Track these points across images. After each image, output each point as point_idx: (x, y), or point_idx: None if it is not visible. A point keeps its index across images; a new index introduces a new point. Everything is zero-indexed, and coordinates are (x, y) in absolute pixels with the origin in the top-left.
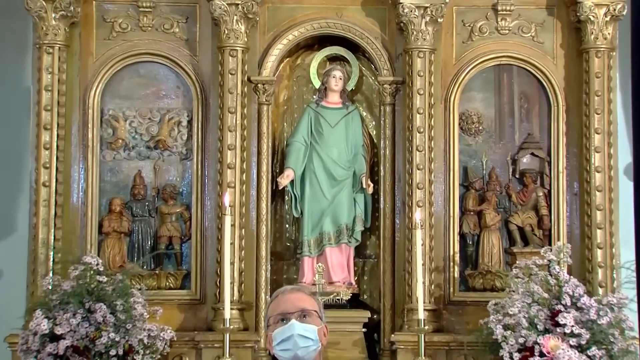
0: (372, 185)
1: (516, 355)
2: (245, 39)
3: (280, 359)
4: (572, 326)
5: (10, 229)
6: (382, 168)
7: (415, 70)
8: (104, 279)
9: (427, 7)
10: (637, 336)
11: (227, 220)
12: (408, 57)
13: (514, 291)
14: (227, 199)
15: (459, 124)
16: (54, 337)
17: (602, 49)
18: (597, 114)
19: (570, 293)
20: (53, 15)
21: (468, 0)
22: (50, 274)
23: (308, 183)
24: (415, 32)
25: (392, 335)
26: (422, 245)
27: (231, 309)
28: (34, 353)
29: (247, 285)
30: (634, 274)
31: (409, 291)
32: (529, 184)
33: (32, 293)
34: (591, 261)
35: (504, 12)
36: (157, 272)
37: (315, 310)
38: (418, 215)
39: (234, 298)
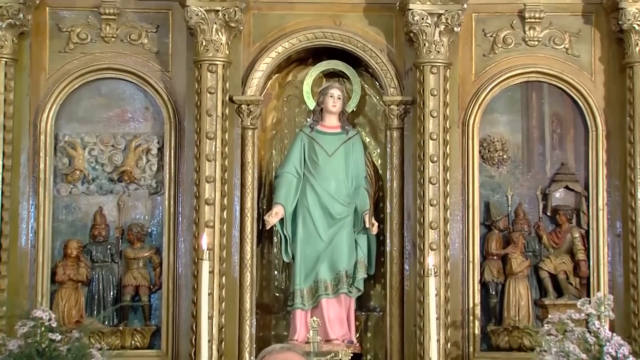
0: (376, 224)
1: None
2: (227, 52)
3: None
4: None
5: None
6: (388, 204)
7: (427, 88)
8: (57, 337)
9: (441, 14)
10: None
11: (205, 266)
12: (419, 73)
13: (545, 351)
14: (204, 240)
15: (480, 152)
16: None
17: None
18: None
19: (613, 354)
20: None
21: (490, 6)
22: None
23: (301, 222)
24: (427, 44)
25: None
26: (436, 295)
27: None
28: None
29: (228, 343)
30: None
31: (420, 350)
32: (562, 224)
33: None
34: (637, 315)
35: (533, 20)
36: (120, 328)
37: None
38: (431, 260)
39: (213, 359)
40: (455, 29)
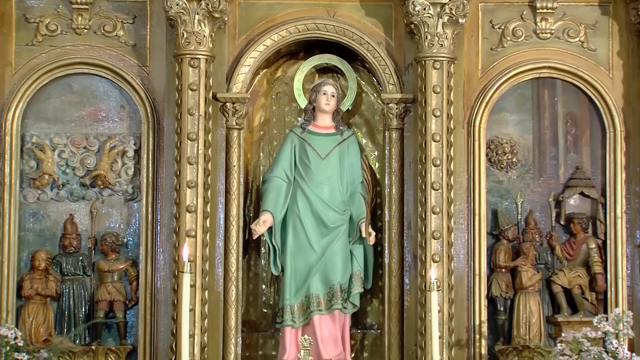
0: (373, 234)
1: None
2: (210, 45)
3: None
4: None
5: None
6: (387, 212)
7: (429, 85)
8: (24, 357)
9: (445, 4)
10: None
11: (186, 280)
12: (420, 69)
13: None
14: (185, 251)
15: (487, 155)
16: None
17: None
18: None
19: None
20: None
21: None
22: None
23: (291, 231)
24: (429, 36)
25: None
26: (438, 311)
27: None
28: None
29: None
30: None
31: None
32: (577, 233)
33: None
34: None
35: (545, 11)
36: (93, 347)
37: None
38: (433, 272)
39: None
40: (460, 20)
